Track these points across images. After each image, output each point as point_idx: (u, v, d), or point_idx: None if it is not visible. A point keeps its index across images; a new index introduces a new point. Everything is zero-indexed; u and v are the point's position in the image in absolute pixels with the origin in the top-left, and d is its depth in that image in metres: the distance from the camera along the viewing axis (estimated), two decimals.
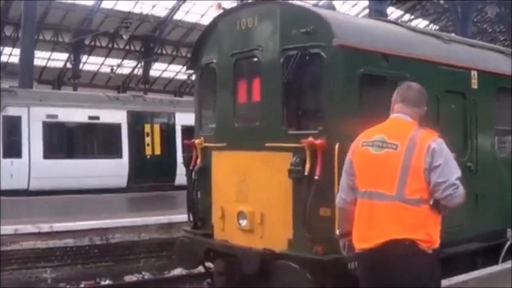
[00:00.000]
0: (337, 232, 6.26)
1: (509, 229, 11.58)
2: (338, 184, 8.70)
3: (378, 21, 12.03)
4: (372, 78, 9.56)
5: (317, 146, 8.97)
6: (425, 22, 62.07)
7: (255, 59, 10.39)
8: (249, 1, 28.78)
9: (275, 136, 9.72)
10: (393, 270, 5.38)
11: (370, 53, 9.52)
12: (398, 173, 5.43)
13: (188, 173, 11.64)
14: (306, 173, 9.02)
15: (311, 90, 10.05)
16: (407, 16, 61.74)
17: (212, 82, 11.35)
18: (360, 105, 9.33)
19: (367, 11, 47.98)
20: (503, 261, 11.46)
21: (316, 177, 8.92)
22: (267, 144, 9.77)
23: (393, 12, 56.63)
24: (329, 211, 8.91)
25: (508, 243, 11.65)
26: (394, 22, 12.54)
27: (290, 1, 14.31)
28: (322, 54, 9.28)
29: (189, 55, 59.41)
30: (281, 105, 9.81)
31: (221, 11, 13.28)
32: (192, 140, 11.52)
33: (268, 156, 9.82)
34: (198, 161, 11.40)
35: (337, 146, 8.79)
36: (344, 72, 9.22)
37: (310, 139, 9.02)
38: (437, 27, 59.16)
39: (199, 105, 12.03)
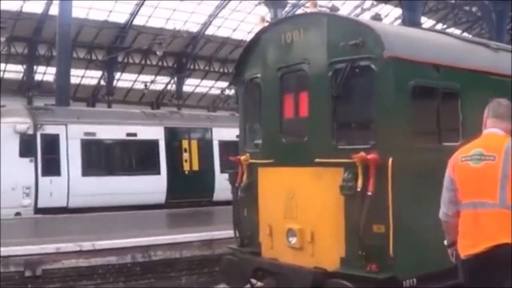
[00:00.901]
0: (445, 242, 6.57)
1: None
2: (393, 199, 8.60)
3: (425, 31, 11.82)
4: (423, 89, 9.39)
5: (370, 161, 8.77)
6: (458, 31, 61.53)
7: (302, 73, 10.19)
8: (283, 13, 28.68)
9: (324, 151, 9.51)
10: (499, 273, 5.72)
11: (421, 64, 9.31)
12: (498, 182, 5.80)
13: (234, 190, 11.46)
14: (358, 189, 8.83)
15: (361, 103, 9.81)
16: (439, 26, 61.24)
17: (257, 97, 11.20)
18: (412, 117, 9.14)
19: (399, 21, 47.68)
20: None
21: (369, 193, 8.72)
22: (316, 160, 9.56)
23: (425, 22, 56.09)
24: (382, 228, 8.73)
25: None
26: (441, 32, 12.34)
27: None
28: (372, 66, 9.08)
29: (221, 69, 60.25)
30: (330, 119, 9.61)
31: (265, 24, 13.05)
32: (238, 157, 11.36)
33: (318, 172, 9.61)
34: (244, 177, 11.22)
35: (390, 160, 8.60)
36: (395, 84, 9.02)
37: (362, 154, 8.82)
38: (471, 36, 58.55)
39: (243, 121, 11.86)
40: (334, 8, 14.09)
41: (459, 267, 6.17)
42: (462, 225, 6.07)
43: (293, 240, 9.92)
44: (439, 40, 10.72)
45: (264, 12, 34.69)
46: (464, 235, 6.02)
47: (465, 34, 57.39)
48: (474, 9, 54.93)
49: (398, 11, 50.10)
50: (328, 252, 9.43)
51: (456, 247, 6.27)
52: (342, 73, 9.33)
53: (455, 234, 6.20)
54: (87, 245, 16.37)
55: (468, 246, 5.92)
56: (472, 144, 6.27)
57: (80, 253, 16.21)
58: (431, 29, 12.94)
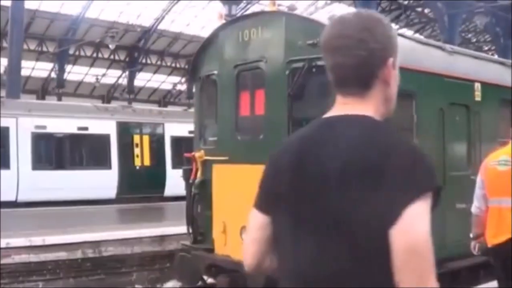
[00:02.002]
0: (471, 235, 7.62)
1: None
2: None
3: None
4: None
5: None
6: (410, 32, 62.11)
7: (259, 71, 10.21)
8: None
9: None
10: None
11: None
12: None
13: (188, 186, 11.41)
14: None
15: (317, 103, 9.84)
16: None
17: (213, 94, 11.18)
18: None
19: None
20: None
21: None
22: None
23: None
24: None
25: None
26: (398, 34, 12.42)
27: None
28: None
29: (173, 64, 59.89)
30: (286, 117, 9.64)
31: (223, 20, 13.01)
32: (192, 153, 11.31)
33: None
34: (198, 174, 11.19)
35: None
36: None
37: None
38: (422, 37, 59.06)
39: (199, 117, 11.82)
40: (292, 7, 14.02)
41: (489, 254, 7.40)
42: (489, 218, 7.23)
43: None
44: None
45: (219, 8, 34.76)
46: (490, 227, 7.21)
47: (417, 35, 58.02)
48: (426, 10, 55.49)
49: (351, 11, 50.32)
50: None
51: (480, 240, 7.47)
52: (299, 72, 9.37)
53: (481, 228, 7.35)
54: (37, 240, 16.17)
55: (492, 237, 7.14)
56: (501, 151, 7.44)
57: (30, 248, 16.02)
58: None
